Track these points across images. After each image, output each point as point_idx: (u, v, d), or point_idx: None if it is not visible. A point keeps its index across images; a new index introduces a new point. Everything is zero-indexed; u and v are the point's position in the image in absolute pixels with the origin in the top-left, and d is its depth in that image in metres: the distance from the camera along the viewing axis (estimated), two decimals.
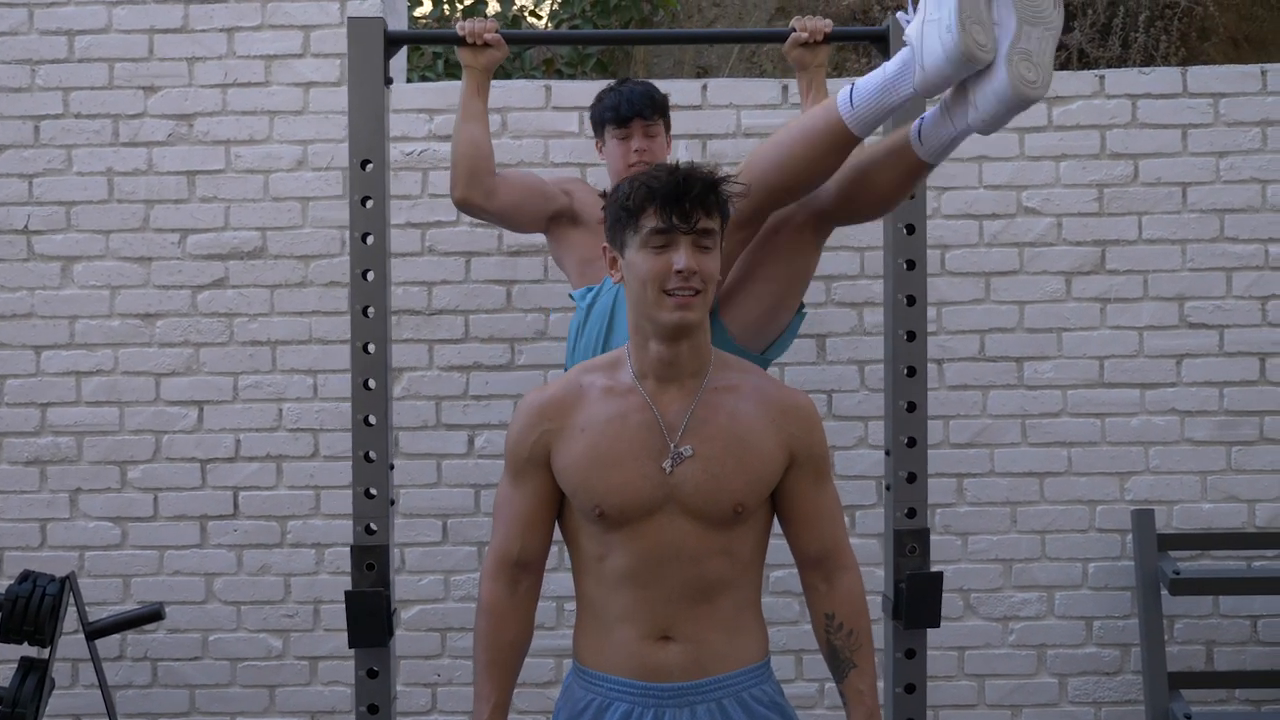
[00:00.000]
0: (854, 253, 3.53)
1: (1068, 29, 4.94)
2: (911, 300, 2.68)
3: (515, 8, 6.34)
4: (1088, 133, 3.52)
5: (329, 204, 3.52)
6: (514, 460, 1.97)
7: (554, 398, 1.95)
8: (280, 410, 3.52)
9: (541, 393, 1.98)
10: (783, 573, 3.43)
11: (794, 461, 1.94)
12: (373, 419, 2.68)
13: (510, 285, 3.53)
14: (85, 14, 3.52)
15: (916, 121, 2.27)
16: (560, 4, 6.37)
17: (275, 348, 3.52)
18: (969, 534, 3.54)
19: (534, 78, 5.73)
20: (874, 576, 3.08)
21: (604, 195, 2.14)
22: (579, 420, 1.92)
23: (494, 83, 2.99)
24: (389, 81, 2.75)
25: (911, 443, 2.67)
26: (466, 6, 6.12)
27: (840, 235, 3.14)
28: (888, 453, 2.73)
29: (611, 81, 3.04)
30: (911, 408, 2.68)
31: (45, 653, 3.07)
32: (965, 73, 2.08)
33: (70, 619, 3.27)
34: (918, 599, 2.61)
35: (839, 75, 5.12)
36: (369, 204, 2.69)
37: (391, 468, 2.73)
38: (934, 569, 2.68)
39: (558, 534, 2.02)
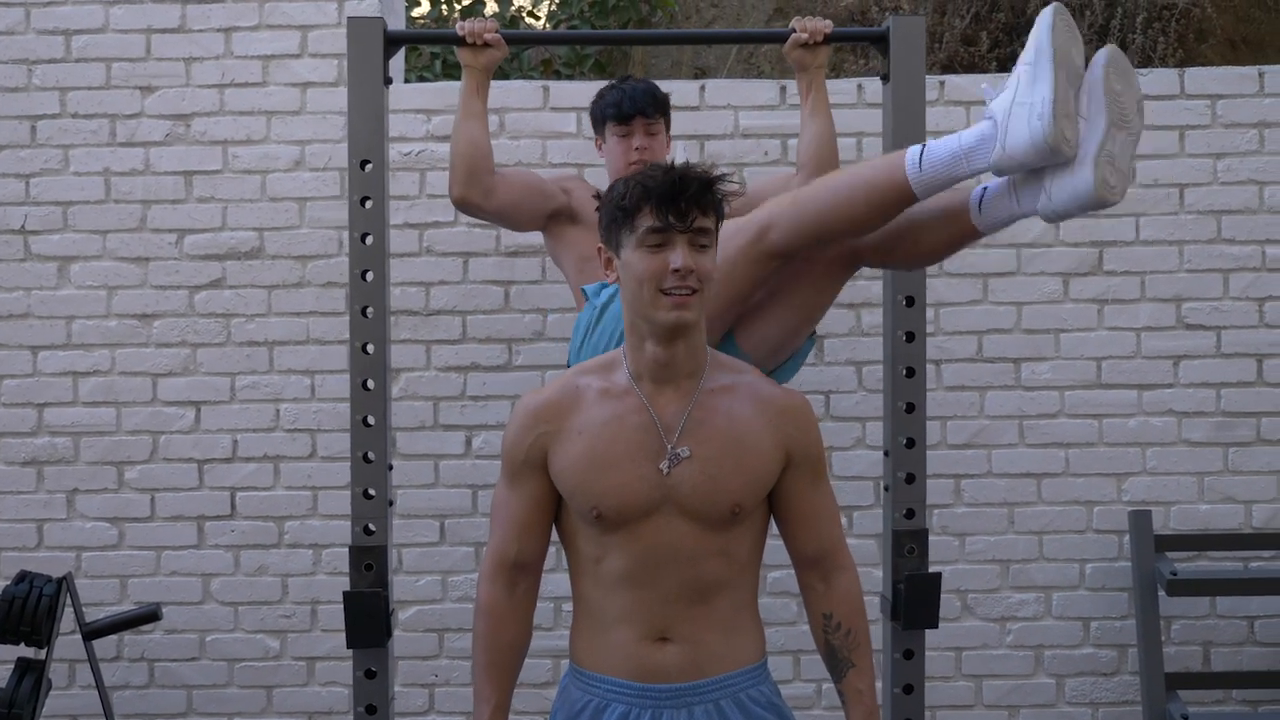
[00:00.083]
0: None
1: None
2: (910, 301, 2.68)
3: (513, 8, 6.34)
4: None
5: (326, 204, 3.51)
6: (510, 463, 1.96)
7: (550, 400, 1.95)
8: (278, 411, 3.52)
9: (537, 395, 1.97)
10: (780, 573, 3.43)
11: (791, 462, 1.94)
12: (372, 419, 2.68)
13: (508, 286, 3.53)
14: (82, 14, 3.51)
15: (978, 190, 2.25)
16: (558, 4, 6.37)
17: (273, 348, 3.52)
18: (966, 535, 3.54)
19: (532, 78, 5.73)
20: (872, 577, 3.08)
21: (599, 196, 2.13)
22: (575, 423, 1.91)
23: (492, 83, 2.98)
24: (388, 81, 2.75)
25: (910, 443, 2.67)
26: (464, 7, 6.12)
27: None
28: (886, 453, 2.72)
29: (613, 80, 3.04)
30: (910, 408, 2.68)
31: (42, 653, 3.07)
32: (1045, 163, 2.07)
33: (67, 619, 3.27)
34: (916, 600, 2.61)
35: (837, 76, 5.12)
36: (368, 204, 2.69)
37: (390, 468, 2.73)
38: (931, 570, 2.67)
39: (555, 535, 2.01)
